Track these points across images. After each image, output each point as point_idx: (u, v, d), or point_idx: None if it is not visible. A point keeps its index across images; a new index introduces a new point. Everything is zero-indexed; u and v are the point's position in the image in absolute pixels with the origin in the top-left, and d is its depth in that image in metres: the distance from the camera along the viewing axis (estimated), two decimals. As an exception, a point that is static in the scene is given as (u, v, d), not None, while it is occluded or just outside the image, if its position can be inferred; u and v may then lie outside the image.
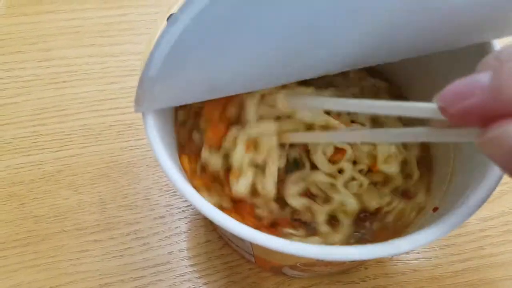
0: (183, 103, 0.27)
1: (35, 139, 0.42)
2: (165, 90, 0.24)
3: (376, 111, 0.27)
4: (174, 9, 0.28)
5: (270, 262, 0.32)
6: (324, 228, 0.30)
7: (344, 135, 0.29)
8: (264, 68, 0.25)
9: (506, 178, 0.37)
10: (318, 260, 0.26)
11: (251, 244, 0.28)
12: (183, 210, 0.39)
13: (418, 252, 0.37)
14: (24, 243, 0.37)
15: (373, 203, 0.30)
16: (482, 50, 0.27)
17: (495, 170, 0.24)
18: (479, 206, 0.23)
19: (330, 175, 0.30)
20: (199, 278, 0.36)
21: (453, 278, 0.36)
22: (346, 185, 0.30)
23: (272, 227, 0.30)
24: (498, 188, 0.37)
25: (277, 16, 0.21)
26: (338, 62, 0.27)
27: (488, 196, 0.23)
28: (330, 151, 0.30)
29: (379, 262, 0.37)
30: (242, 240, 0.27)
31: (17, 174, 0.40)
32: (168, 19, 0.28)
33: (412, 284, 0.36)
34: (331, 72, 0.28)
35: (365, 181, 0.30)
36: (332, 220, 0.30)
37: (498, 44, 0.27)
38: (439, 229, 0.22)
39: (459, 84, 0.18)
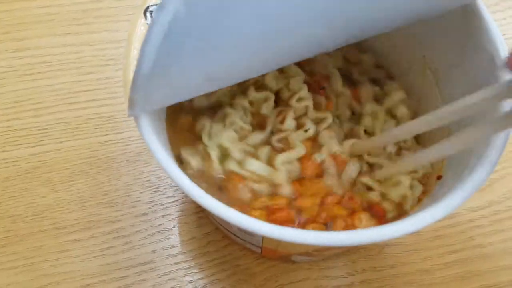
0: (178, 100, 0.26)
1: (9, 134, 0.40)
2: (160, 88, 0.22)
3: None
4: (150, 2, 0.27)
5: (280, 251, 0.31)
6: None
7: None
8: (259, 52, 0.24)
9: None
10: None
11: (263, 237, 0.27)
12: (166, 207, 0.37)
13: (407, 245, 0.37)
14: (1, 244, 0.36)
15: None
16: (466, 13, 0.28)
17: (499, 139, 0.24)
18: (484, 179, 0.23)
19: None
20: (184, 276, 0.35)
21: (443, 270, 0.36)
22: None
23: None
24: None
25: None
26: (331, 39, 0.26)
27: (492, 168, 0.24)
28: None
29: (367, 255, 0.36)
30: (252, 234, 0.27)
31: (-8, 171, 0.38)
32: (145, 12, 0.26)
33: (401, 278, 0.36)
34: (326, 50, 0.27)
35: None
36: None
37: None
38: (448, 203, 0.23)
39: None
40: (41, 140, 0.40)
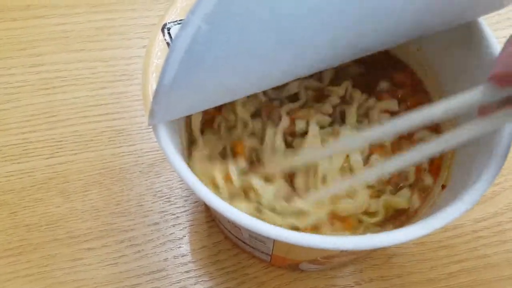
0: (196, 111, 0.27)
1: (26, 146, 0.41)
2: (180, 99, 0.24)
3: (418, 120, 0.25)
4: (168, 19, 0.28)
5: (289, 259, 0.32)
6: None
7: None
8: (277, 64, 0.25)
9: (498, 178, 0.37)
10: (342, 251, 0.27)
11: (274, 243, 0.28)
12: (177, 217, 0.38)
13: (413, 255, 0.37)
14: (16, 252, 0.37)
15: None
16: (469, 29, 0.30)
17: (500, 150, 0.25)
18: (492, 180, 0.24)
19: None
20: (195, 284, 0.36)
21: (448, 279, 0.37)
22: None
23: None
24: (490, 189, 0.38)
25: (290, 5, 0.21)
26: (347, 51, 0.27)
27: (494, 179, 0.24)
28: None
29: (374, 265, 0.37)
30: (263, 242, 0.28)
31: (8, 182, 0.39)
32: (162, 29, 0.28)
33: (407, 287, 0.36)
34: (334, 64, 0.28)
35: None
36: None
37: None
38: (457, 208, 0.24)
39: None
40: (56, 152, 0.41)
